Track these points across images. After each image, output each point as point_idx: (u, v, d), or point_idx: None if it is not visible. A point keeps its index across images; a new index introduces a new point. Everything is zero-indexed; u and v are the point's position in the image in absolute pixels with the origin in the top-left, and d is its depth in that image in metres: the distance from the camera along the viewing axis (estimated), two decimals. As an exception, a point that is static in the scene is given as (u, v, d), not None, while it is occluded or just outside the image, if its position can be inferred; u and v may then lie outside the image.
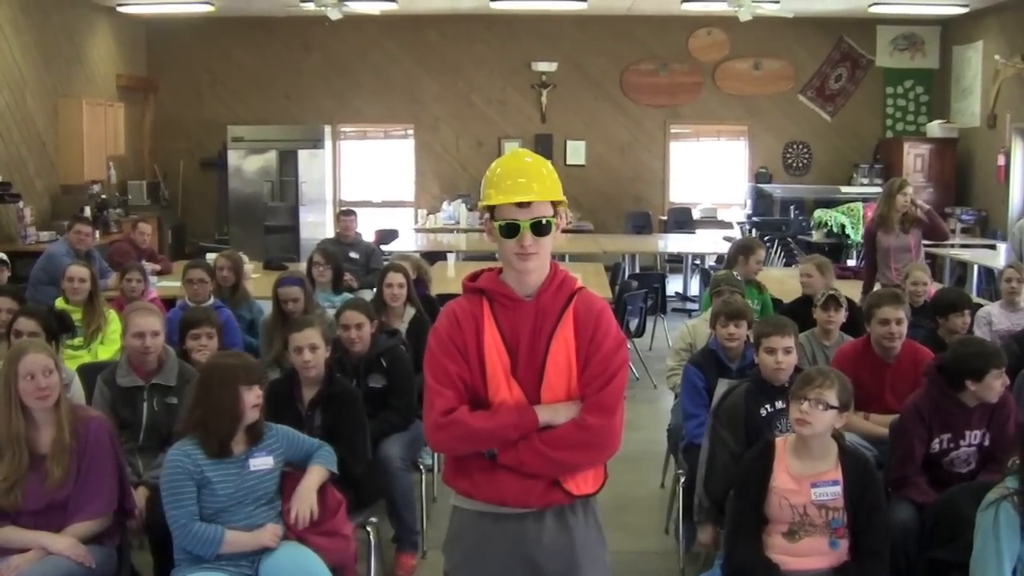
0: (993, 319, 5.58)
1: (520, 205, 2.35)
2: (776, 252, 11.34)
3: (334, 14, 10.73)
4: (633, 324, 7.99)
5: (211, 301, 5.63)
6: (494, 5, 11.86)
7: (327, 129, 12.92)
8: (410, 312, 5.33)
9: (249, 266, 7.14)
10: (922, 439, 3.63)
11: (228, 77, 13.26)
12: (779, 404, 3.69)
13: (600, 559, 2.51)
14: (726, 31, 13.05)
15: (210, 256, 6.97)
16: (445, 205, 12.77)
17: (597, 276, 8.45)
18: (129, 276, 5.97)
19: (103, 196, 11.19)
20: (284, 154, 12.44)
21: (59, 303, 5.43)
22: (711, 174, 13.80)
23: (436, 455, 4.75)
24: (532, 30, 13.05)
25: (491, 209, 2.40)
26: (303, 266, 6.97)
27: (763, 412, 3.75)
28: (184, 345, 4.36)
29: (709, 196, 13.59)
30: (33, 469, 3.17)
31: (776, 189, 12.92)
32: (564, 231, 2.51)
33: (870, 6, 11.55)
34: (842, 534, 3.16)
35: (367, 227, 9.86)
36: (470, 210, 12.15)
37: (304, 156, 12.48)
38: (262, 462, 3.30)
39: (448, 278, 7.99)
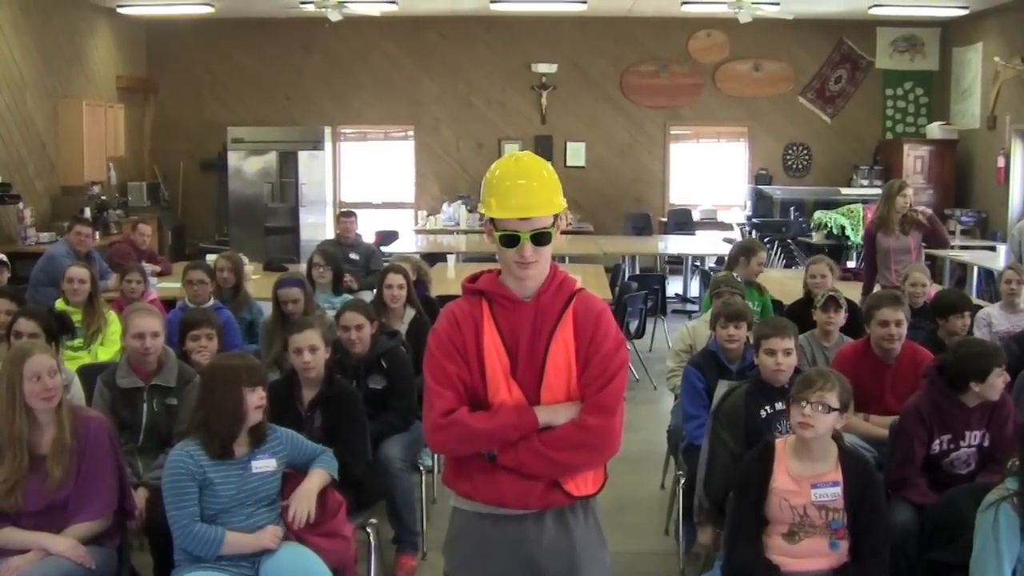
0: (993, 320, 5.59)
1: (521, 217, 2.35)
2: (776, 254, 11.34)
3: (334, 15, 10.74)
4: (633, 325, 7.99)
5: (211, 302, 5.63)
6: (494, 6, 11.87)
7: (327, 130, 12.93)
8: (410, 313, 5.33)
9: (249, 267, 7.14)
10: (922, 440, 3.64)
11: (228, 78, 13.27)
12: (779, 405, 3.69)
13: (600, 560, 2.51)
14: (726, 33, 13.06)
15: (210, 257, 6.96)
16: (445, 206, 12.77)
17: (597, 277, 8.45)
18: (129, 277, 5.97)
19: (103, 197, 11.20)
20: (284, 155, 12.45)
21: (59, 304, 5.43)
22: (711, 176, 13.81)
23: (436, 456, 4.75)
24: (532, 31, 13.06)
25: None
26: (303, 267, 6.97)
27: (763, 413, 3.75)
28: (184, 346, 4.37)
29: (709, 198, 13.60)
30: (33, 470, 3.17)
31: (776, 191, 12.92)
32: (564, 232, 2.51)
33: (870, 8, 11.56)
34: (842, 535, 3.16)
35: (367, 228, 9.88)
36: (470, 211, 12.15)
37: (304, 157, 12.49)
38: (264, 464, 3.30)
39: (448, 279, 7.99)
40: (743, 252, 6.28)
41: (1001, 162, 11.36)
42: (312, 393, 3.97)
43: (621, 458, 2.51)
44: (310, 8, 10.87)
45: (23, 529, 3.15)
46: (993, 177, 11.57)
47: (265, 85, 13.23)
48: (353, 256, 8.01)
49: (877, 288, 6.27)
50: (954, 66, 12.67)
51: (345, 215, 8.46)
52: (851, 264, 9.80)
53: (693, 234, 12.66)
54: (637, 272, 10.84)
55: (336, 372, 4.09)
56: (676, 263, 12.16)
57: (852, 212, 10.88)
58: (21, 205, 9.77)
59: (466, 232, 11.99)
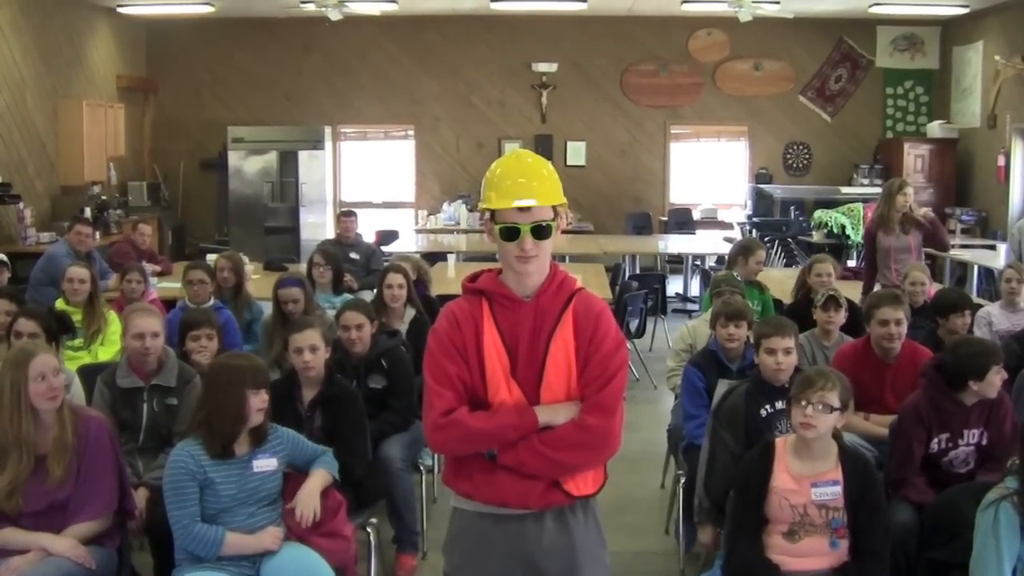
0: (993, 319, 5.59)
1: (521, 209, 2.35)
2: (776, 253, 11.34)
3: (334, 15, 10.73)
4: (633, 325, 7.99)
5: (211, 302, 5.63)
6: (494, 6, 11.86)
7: (327, 130, 12.92)
8: (410, 313, 5.33)
9: (249, 267, 7.14)
10: (920, 440, 3.64)
11: (228, 78, 13.27)
12: (779, 405, 3.69)
13: (600, 560, 2.51)
14: (726, 32, 13.05)
15: (210, 257, 6.97)
16: (445, 206, 12.77)
17: (597, 277, 8.45)
18: (129, 277, 5.97)
19: (103, 197, 11.20)
20: (284, 155, 12.44)
21: (59, 304, 5.43)
22: (711, 175, 13.80)
23: (436, 456, 4.75)
24: (532, 31, 13.06)
25: (491, 211, 2.40)
26: (303, 267, 6.97)
27: (763, 413, 3.75)
28: (184, 347, 4.36)
29: (709, 197, 13.60)
30: (34, 470, 3.17)
31: (776, 190, 12.92)
32: (564, 232, 2.51)
33: (870, 7, 11.55)
34: (842, 534, 3.16)
35: (367, 228, 9.87)
36: (470, 211, 12.15)
37: (304, 157, 12.49)
38: (265, 463, 3.30)
39: (448, 279, 7.99)
40: (741, 251, 6.29)
41: (1001, 161, 11.35)
42: (312, 393, 3.97)
43: (621, 458, 2.50)
44: (310, 8, 10.86)
45: (23, 529, 3.15)
46: (993, 176, 11.57)
47: (265, 85, 13.22)
48: (353, 256, 8.01)
49: (877, 287, 6.27)
50: (954, 65, 12.66)
51: (345, 215, 8.45)
52: (851, 263, 9.80)
53: (693, 233, 12.66)
54: (637, 271, 10.83)
55: (336, 372, 4.09)
56: (676, 262, 12.15)
57: (852, 211, 10.88)
58: (21, 205, 9.77)
59: (466, 231, 11.99)
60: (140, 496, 3.64)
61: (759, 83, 13.33)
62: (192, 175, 13.31)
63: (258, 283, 7.14)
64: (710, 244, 11.36)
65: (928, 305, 5.31)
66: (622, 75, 13.35)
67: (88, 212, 10.13)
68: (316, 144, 12.63)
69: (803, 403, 3.13)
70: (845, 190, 12.57)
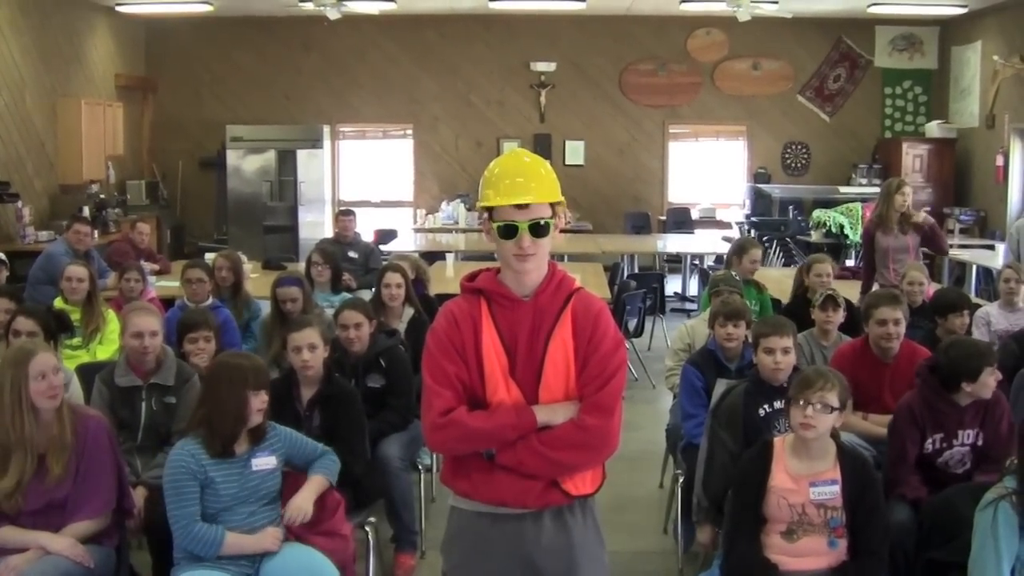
0: (992, 319, 5.59)
1: (518, 206, 2.35)
2: (775, 252, 11.34)
3: (333, 14, 10.72)
4: (632, 324, 7.99)
5: (210, 301, 5.63)
6: (493, 5, 11.86)
7: (326, 129, 12.92)
8: (409, 312, 5.33)
9: (248, 266, 7.14)
10: (914, 440, 3.64)
11: (227, 77, 13.26)
12: (777, 404, 3.69)
13: (599, 559, 2.51)
14: (725, 31, 13.05)
15: (209, 256, 6.97)
16: (444, 205, 12.78)
17: (596, 276, 8.45)
18: (128, 276, 5.97)
19: (102, 196, 11.19)
20: (283, 154, 12.44)
21: (58, 303, 5.43)
22: (710, 174, 13.80)
23: (435, 455, 4.74)
24: (531, 30, 13.06)
25: (489, 210, 2.39)
26: (302, 266, 6.97)
27: (761, 412, 3.75)
28: (181, 348, 4.36)
29: (708, 196, 13.60)
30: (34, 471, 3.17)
31: (775, 189, 12.92)
32: (563, 231, 2.51)
33: (869, 6, 11.56)
34: (841, 534, 3.16)
35: (366, 227, 9.87)
36: (469, 210, 12.16)
37: (303, 156, 12.49)
38: (265, 462, 3.30)
39: (447, 278, 7.98)
40: (737, 251, 6.31)
41: (1000, 161, 11.35)
42: (311, 392, 3.97)
43: (620, 457, 2.51)
44: (309, 7, 10.85)
45: (22, 528, 3.15)
46: (992, 176, 11.58)
47: (264, 84, 13.21)
48: (352, 255, 8.01)
49: (876, 287, 6.27)
50: (953, 65, 12.67)
51: (344, 214, 8.45)
52: (850, 263, 9.80)
53: (692, 233, 12.65)
54: (636, 271, 10.83)
55: (335, 371, 4.09)
56: (675, 262, 12.15)
57: (851, 211, 10.88)
58: (20, 204, 9.76)
59: (465, 231, 11.99)
60: (139, 495, 3.64)
61: (758, 83, 13.33)
62: (191, 174, 13.31)
63: (256, 282, 7.14)
64: (708, 244, 11.36)
65: (927, 305, 5.31)
66: (621, 74, 13.35)
67: (87, 211, 10.13)
68: (315, 143, 12.63)
69: (803, 403, 3.13)
70: (844, 190, 12.57)
